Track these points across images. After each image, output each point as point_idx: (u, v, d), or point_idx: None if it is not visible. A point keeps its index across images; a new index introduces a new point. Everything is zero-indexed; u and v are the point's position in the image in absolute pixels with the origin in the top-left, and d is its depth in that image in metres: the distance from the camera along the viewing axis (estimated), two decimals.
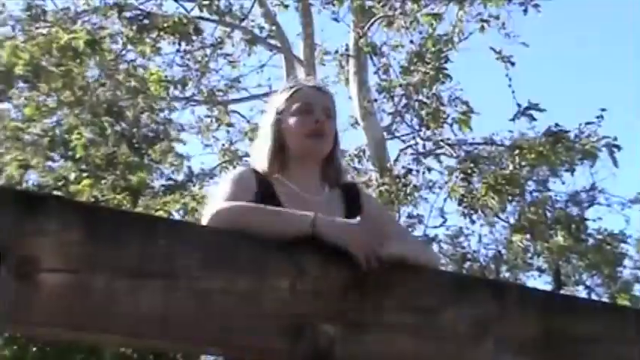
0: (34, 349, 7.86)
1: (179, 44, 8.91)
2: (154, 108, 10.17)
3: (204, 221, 1.89)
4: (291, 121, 2.25)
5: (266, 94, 11.37)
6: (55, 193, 8.47)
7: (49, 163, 9.99)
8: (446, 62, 8.51)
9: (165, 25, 8.56)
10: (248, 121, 10.82)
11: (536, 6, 8.67)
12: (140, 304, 1.15)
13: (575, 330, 1.61)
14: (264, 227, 1.65)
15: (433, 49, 8.68)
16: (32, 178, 10.29)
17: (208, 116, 11.09)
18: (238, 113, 11.26)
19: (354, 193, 2.33)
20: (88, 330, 1.14)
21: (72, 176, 8.93)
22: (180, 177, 12.41)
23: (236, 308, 1.23)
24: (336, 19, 10.00)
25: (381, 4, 9.23)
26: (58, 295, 1.11)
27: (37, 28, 8.63)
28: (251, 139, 9.97)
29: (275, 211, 1.88)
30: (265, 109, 2.48)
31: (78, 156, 9.09)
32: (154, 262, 1.19)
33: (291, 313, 1.29)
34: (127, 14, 8.67)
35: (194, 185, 11.25)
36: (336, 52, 10.18)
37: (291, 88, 2.35)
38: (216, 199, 2.07)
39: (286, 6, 10.27)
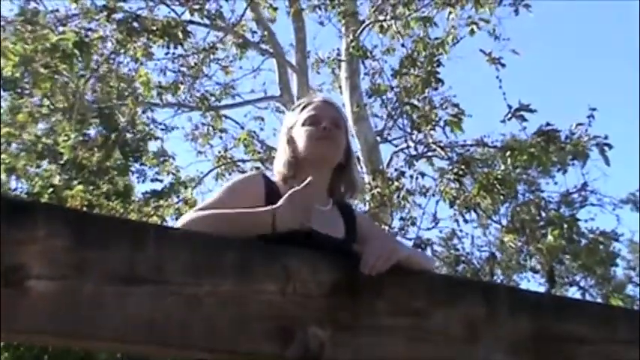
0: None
1: (168, 47, 8.90)
2: (138, 112, 10.21)
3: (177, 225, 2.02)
4: (301, 131, 2.33)
5: (260, 100, 11.38)
6: (45, 199, 8.45)
7: (36, 169, 9.99)
8: (438, 66, 8.53)
9: (155, 27, 8.54)
10: (242, 128, 10.80)
11: (526, 6, 8.70)
12: (128, 309, 1.15)
13: (565, 330, 1.61)
14: (229, 231, 1.82)
15: (425, 52, 8.70)
16: (21, 187, 10.29)
17: (203, 123, 11.09)
18: (232, 119, 11.24)
19: (350, 212, 2.39)
20: (77, 336, 1.14)
21: (57, 179, 8.91)
22: (166, 179, 12.46)
23: (225, 313, 1.23)
24: (321, 23, 10.03)
25: (373, 9, 9.24)
26: (47, 301, 1.11)
27: (28, 30, 8.60)
28: (245, 146, 9.97)
29: (235, 215, 1.98)
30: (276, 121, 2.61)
31: (66, 158, 9.08)
32: (141, 268, 1.19)
33: (281, 316, 1.29)
34: (116, 17, 8.66)
35: (185, 189, 11.27)
36: (329, 57, 10.21)
37: (300, 104, 2.44)
38: (201, 204, 2.16)
39: (275, 8, 10.26)
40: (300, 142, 2.33)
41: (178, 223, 2.03)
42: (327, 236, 2.14)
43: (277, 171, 2.36)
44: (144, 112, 11.14)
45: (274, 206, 1.95)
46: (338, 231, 2.26)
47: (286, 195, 1.95)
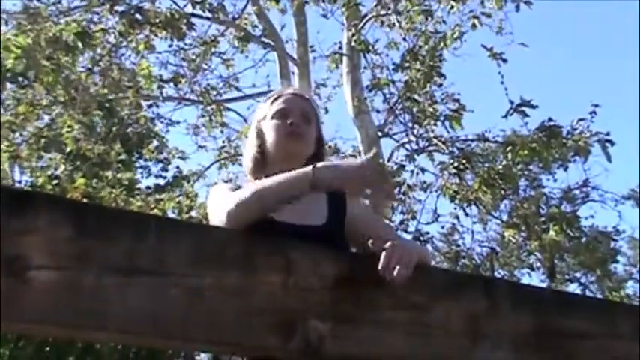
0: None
1: (171, 40, 8.89)
2: (141, 105, 10.20)
3: (219, 220, 1.90)
4: (269, 125, 2.30)
5: (262, 93, 11.35)
6: (48, 191, 8.45)
7: (40, 162, 9.98)
8: (440, 61, 8.51)
9: (158, 19, 8.53)
10: (245, 120, 10.76)
11: (527, 3, 8.67)
12: (130, 301, 1.15)
13: (566, 325, 1.61)
14: (272, 197, 1.81)
15: (426, 46, 8.69)
16: (25, 179, 10.29)
17: (207, 116, 11.05)
18: (235, 112, 11.21)
19: (339, 195, 2.32)
20: (78, 327, 1.14)
21: (61, 168, 8.90)
22: (169, 174, 12.47)
23: (226, 305, 1.23)
24: (325, 16, 10.00)
25: (375, 3, 9.23)
26: (48, 292, 1.11)
27: (30, 23, 8.59)
28: (247, 138, 9.92)
29: (274, 179, 1.88)
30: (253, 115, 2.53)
31: (69, 150, 9.07)
32: (143, 259, 1.18)
33: (282, 309, 1.29)
34: (119, 8, 8.65)
35: (187, 182, 11.28)
36: (334, 53, 10.18)
37: (272, 96, 2.40)
38: (218, 202, 2.04)
39: (277, 1, 10.24)
40: (268, 137, 2.29)
41: (225, 206, 1.90)
42: (297, 226, 2.07)
43: (245, 165, 2.34)
44: (149, 106, 11.15)
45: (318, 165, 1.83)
46: (317, 217, 2.21)
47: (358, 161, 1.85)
